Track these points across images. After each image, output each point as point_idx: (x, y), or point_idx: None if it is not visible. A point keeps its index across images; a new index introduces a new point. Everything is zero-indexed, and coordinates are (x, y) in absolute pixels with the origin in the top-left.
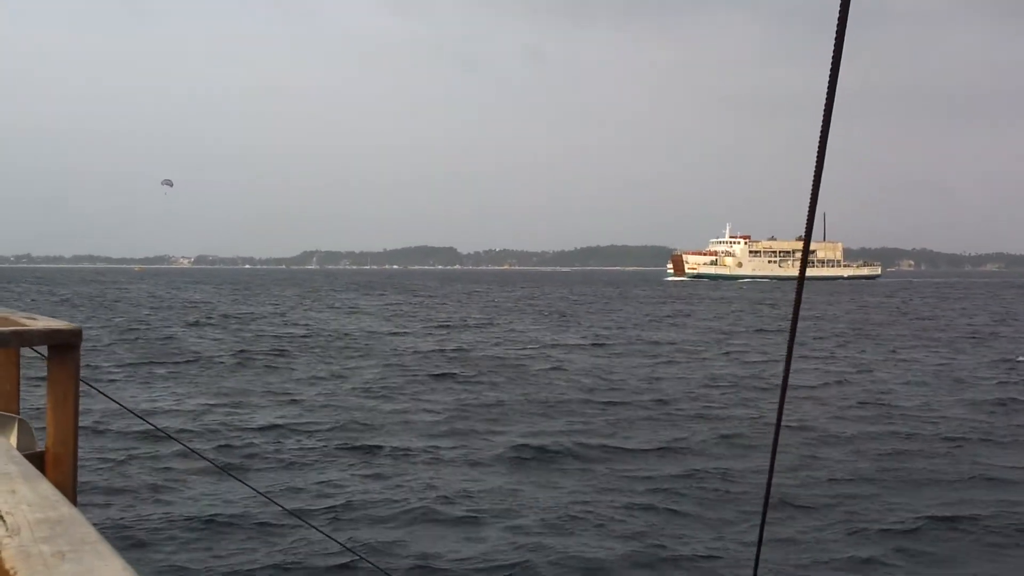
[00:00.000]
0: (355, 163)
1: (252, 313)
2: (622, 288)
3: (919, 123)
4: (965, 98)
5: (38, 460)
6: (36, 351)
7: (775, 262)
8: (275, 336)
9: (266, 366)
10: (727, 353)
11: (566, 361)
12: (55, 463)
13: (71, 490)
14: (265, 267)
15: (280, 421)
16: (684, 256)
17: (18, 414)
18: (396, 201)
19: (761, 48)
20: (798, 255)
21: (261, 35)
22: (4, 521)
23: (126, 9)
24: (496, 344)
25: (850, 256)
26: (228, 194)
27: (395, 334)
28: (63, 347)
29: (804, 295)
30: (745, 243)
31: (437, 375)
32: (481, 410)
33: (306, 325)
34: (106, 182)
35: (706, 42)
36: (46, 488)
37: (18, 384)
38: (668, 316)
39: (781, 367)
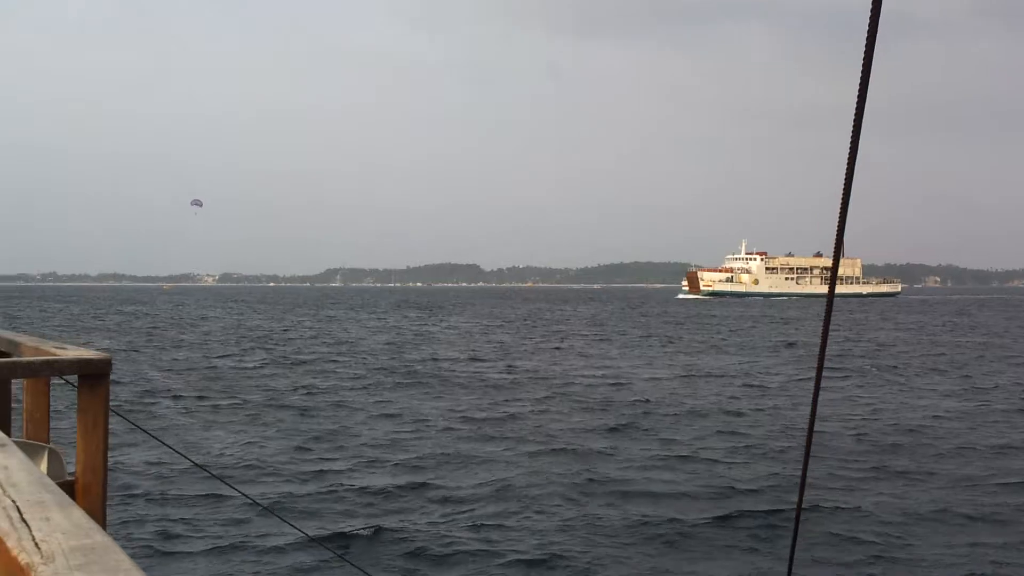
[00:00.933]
0: (377, 180)
1: (301, 335)
2: (663, 306)
3: (945, 137)
4: (991, 112)
5: (68, 489)
6: (66, 380)
7: (792, 279)
8: (332, 360)
9: (337, 402)
10: (851, 385)
11: (679, 394)
12: (85, 491)
13: (101, 518)
14: (289, 285)
15: (384, 480)
16: (699, 273)
17: (48, 443)
18: (418, 218)
19: (778, 62)
20: (816, 271)
21: (280, 52)
22: (39, 548)
23: (150, 27)
24: (581, 373)
25: (875, 272)
26: (251, 212)
27: (469, 359)
28: (93, 376)
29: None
30: (761, 259)
31: (540, 411)
32: (607, 460)
33: (368, 349)
34: (130, 200)
35: (723, 55)
36: (79, 516)
37: (48, 413)
38: (725, 339)
39: (918, 404)
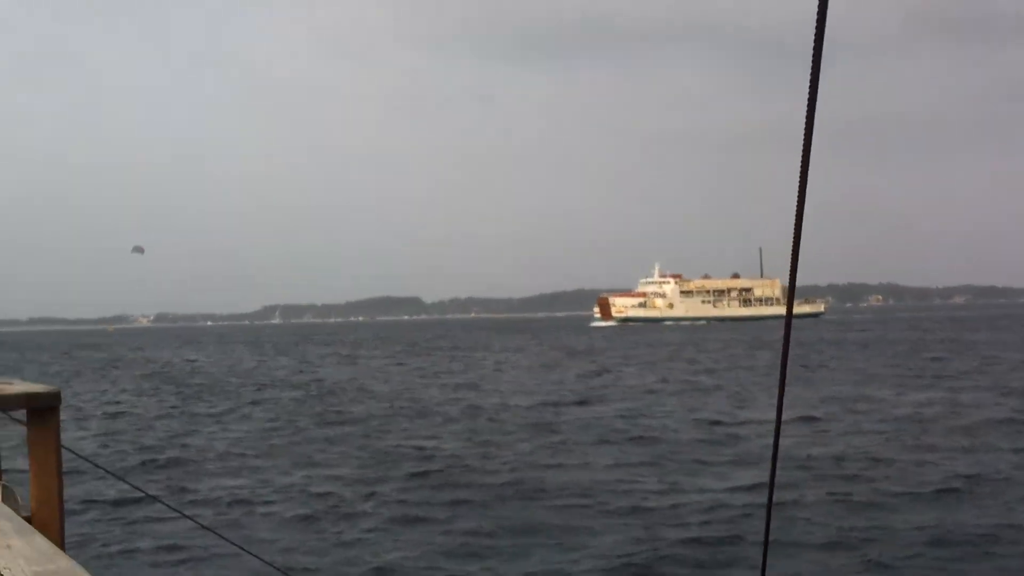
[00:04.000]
0: (312, 214)
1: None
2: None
3: (886, 155)
4: (929, 129)
5: None
6: (13, 418)
7: (709, 302)
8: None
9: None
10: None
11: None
12: (42, 527)
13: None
14: (227, 323)
15: None
16: (611, 298)
17: (0, 480)
18: (356, 252)
19: (703, 85)
20: (734, 294)
21: (207, 94)
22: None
23: (78, 76)
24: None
25: (819, 292)
26: (184, 249)
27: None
28: (42, 411)
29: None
30: (676, 283)
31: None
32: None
33: (416, 398)
34: (59, 242)
35: (648, 79)
36: (41, 542)
37: None
38: (803, 368)
39: None
